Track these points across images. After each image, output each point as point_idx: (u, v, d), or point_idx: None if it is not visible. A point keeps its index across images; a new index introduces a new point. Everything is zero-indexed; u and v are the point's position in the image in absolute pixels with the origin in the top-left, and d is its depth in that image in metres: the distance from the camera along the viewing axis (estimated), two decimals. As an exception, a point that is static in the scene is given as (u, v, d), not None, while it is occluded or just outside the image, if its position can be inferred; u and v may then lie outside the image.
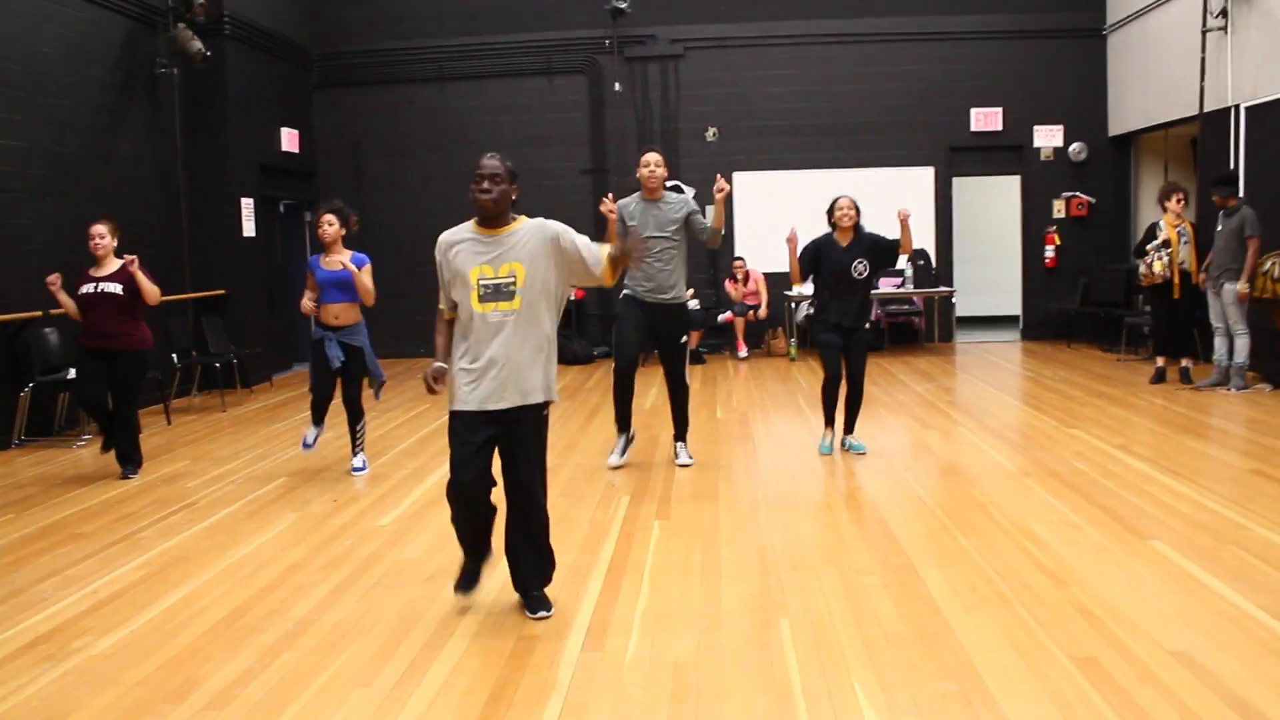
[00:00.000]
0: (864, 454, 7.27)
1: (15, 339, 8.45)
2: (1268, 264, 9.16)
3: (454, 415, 4.28)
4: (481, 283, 4.16)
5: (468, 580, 4.54)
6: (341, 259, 6.91)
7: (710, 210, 7.09)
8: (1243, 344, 9.26)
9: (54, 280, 7.10)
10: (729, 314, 13.07)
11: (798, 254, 7.18)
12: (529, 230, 4.23)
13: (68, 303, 7.14)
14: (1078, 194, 13.47)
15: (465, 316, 4.23)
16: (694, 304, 12.86)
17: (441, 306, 4.41)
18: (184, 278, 10.62)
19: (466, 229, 4.28)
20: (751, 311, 13.01)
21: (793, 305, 13.25)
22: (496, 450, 4.29)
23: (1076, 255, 13.43)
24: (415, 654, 4.05)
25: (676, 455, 7.19)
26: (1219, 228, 9.38)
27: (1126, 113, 13.04)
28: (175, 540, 5.71)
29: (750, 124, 13.52)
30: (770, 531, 5.56)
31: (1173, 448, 7.18)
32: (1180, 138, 12.87)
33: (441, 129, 13.70)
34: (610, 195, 6.85)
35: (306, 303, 6.94)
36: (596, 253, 4.32)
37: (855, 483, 6.58)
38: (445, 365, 4.29)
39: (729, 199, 12.81)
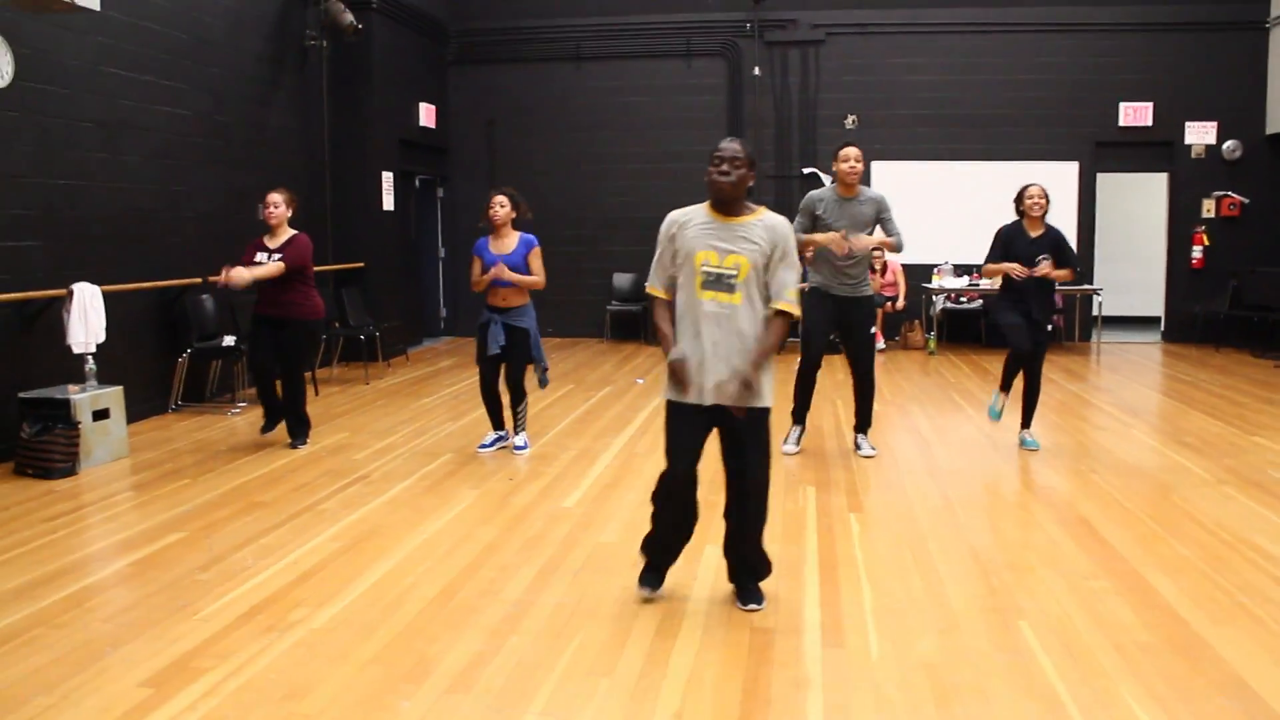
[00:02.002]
0: (1037, 450, 7.02)
1: (174, 305, 8.52)
2: None
3: (669, 404, 4.14)
4: (705, 269, 4.00)
5: (653, 578, 4.37)
6: (510, 242, 6.81)
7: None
8: None
9: (224, 273, 6.83)
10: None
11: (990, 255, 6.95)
12: (765, 226, 4.03)
13: (245, 274, 6.88)
14: (1230, 193, 12.91)
15: (685, 300, 4.07)
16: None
17: (656, 289, 4.21)
18: (326, 249, 10.64)
19: (700, 210, 4.11)
20: (889, 303, 12.71)
21: (931, 298, 12.92)
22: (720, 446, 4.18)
23: (1226, 257, 12.88)
24: (649, 643, 3.91)
25: (859, 447, 7.03)
26: None
27: (1288, 111, 12.45)
28: (359, 513, 5.65)
29: (890, 113, 13.19)
30: (975, 531, 5.33)
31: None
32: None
33: (576, 109, 13.60)
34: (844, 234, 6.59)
35: (480, 275, 6.84)
36: (782, 286, 4.03)
37: (1043, 482, 6.30)
38: (682, 355, 4.09)
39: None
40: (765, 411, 4.13)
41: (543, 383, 7.12)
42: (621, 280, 13.72)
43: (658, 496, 4.24)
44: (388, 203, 11.57)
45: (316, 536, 5.23)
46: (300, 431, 7.25)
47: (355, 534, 5.28)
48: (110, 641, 3.92)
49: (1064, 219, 12.39)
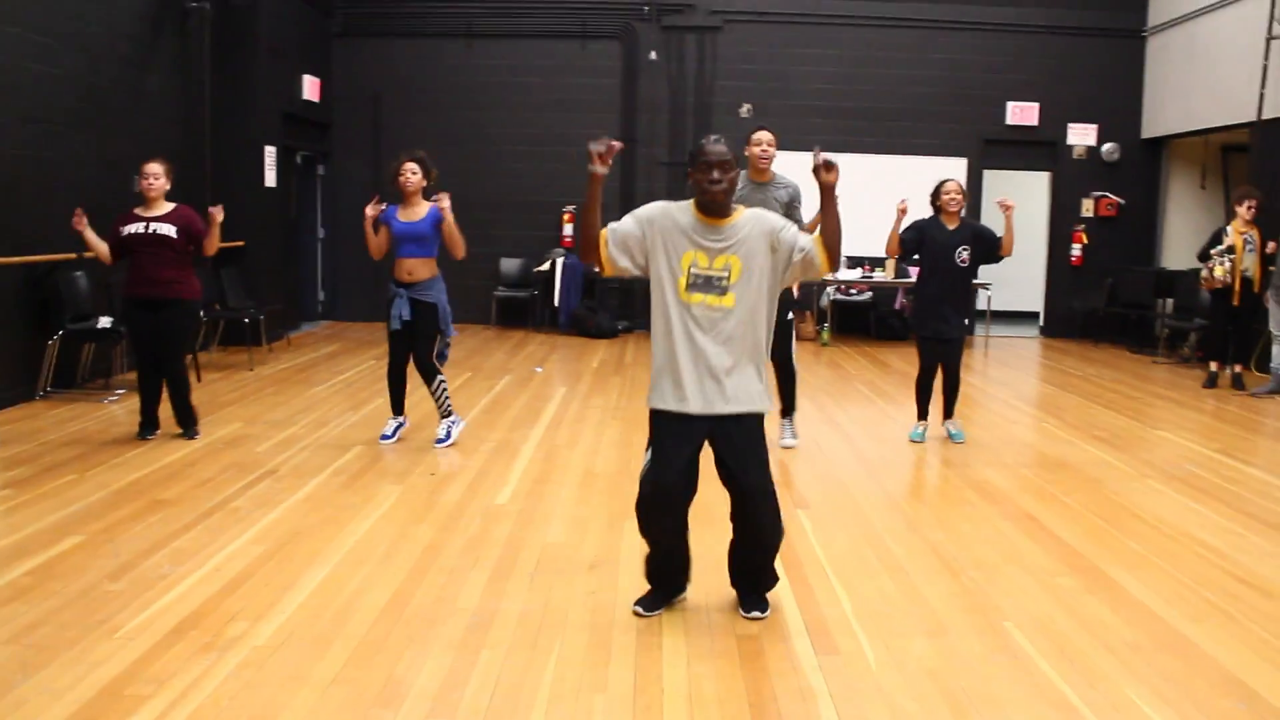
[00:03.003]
0: (963, 443, 7.03)
1: (44, 282, 7.76)
2: (1335, 275, 9.07)
3: (655, 414, 3.89)
4: (693, 270, 3.75)
5: (649, 601, 4.05)
6: (420, 211, 6.45)
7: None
8: (1304, 353, 9.17)
9: (80, 218, 6.45)
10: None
11: (900, 228, 6.88)
12: (749, 221, 3.81)
13: (97, 243, 6.52)
14: (1108, 194, 13.35)
15: (663, 302, 3.82)
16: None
17: (605, 233, 3.86)
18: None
19: (685, 211, 3.81)
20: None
21: (822, 289, 12.96)
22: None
23: (1103, 255, 13.32)
24: (634, 655, 3.64)
25: (782, 433, 6.80)
26: (1285, 237, 9.26)
27: (1162, 116, 12.94)
28: (276, 512, 5.19)
29: (785, 103, 13.14)
30: (927, 527, 5.24)
31: (1273, 457, 7.00)
32: (1214, 144, 12.81)
33: (466, 88, 13.10)
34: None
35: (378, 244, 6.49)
36: (805, 241, 3.85)
37: (977, 476, 6.26)
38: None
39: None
40: (759, 417, 3.91)
41: (440, 358, 6.61)
42: (509, 265, 13.32)
43: (639, 512, 3.92)
44: (270, 179, 10.90)
45: (235, 539, 4.75)
46: (189, 422, 6.66)
47: (277, 536, 4.82)
48: (19, 667, 3.41)
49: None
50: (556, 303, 12.77)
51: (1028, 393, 9.54)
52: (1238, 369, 9.75)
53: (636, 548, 4.69)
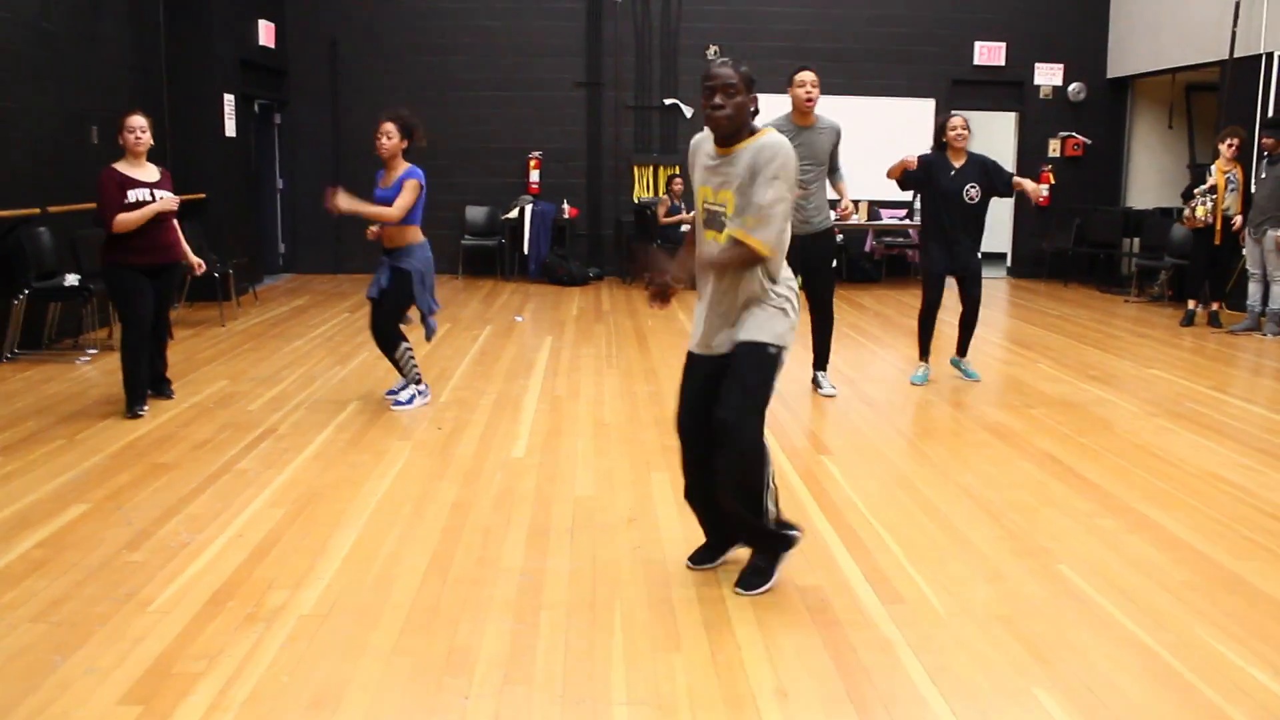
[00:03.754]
0: (978, 381, 7.03)
1: (6, 240, 7.35)
2: (1310, 211, 9.14)
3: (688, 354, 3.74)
4: (705, 205, 3.59)
5: (697, 554, 3.91)
6: (396, 175, 6.06)
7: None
8: (1279, 291, 9.27)
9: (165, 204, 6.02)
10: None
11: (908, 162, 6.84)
12: (749, 152, 3.43)
13: (140, 217, 5.90)
14: (1074, 134, 13.36)
15: (699, 239, 3.66)
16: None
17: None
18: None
19: (709, 138, 3.59)
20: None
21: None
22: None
23: (1070, 195, 13.35)
24: (699, 611, 3.52)
25: (820, 385, 6.82)
26: (1263, 175, 9.31)
27: (1129, 55, 12.93)
28: (287, 473, 4.97)
29: (752, 44, 12.87)
30: (953, 470, 5.18)
31: (1266, 392, 7.06)
32: (1180, 83, 12.85)
33: (426, 32, 12.67)
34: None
35: (374, 229, 6.10)
36: (741, 210, 3.44)
37: (988, 417, 6.22)
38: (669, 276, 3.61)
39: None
40: (757, 347, 3.50)
41: (429, 333, 6.35)
42: (475, 213, 13.01)
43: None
44: (229, 128, 10.46)
45: (250, 503, 4.54)
46: (166, 380, 6.40)
47: (294, 498, 4.61)
48: (54, 647, 3.19)
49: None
50: (526, 250, 12.51)
51: (1012, 333, 9.54)
52: (1215, 307, 9.84)
53: (671, 500, 4.60)
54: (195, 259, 6.47)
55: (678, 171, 12.92)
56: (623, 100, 12.97)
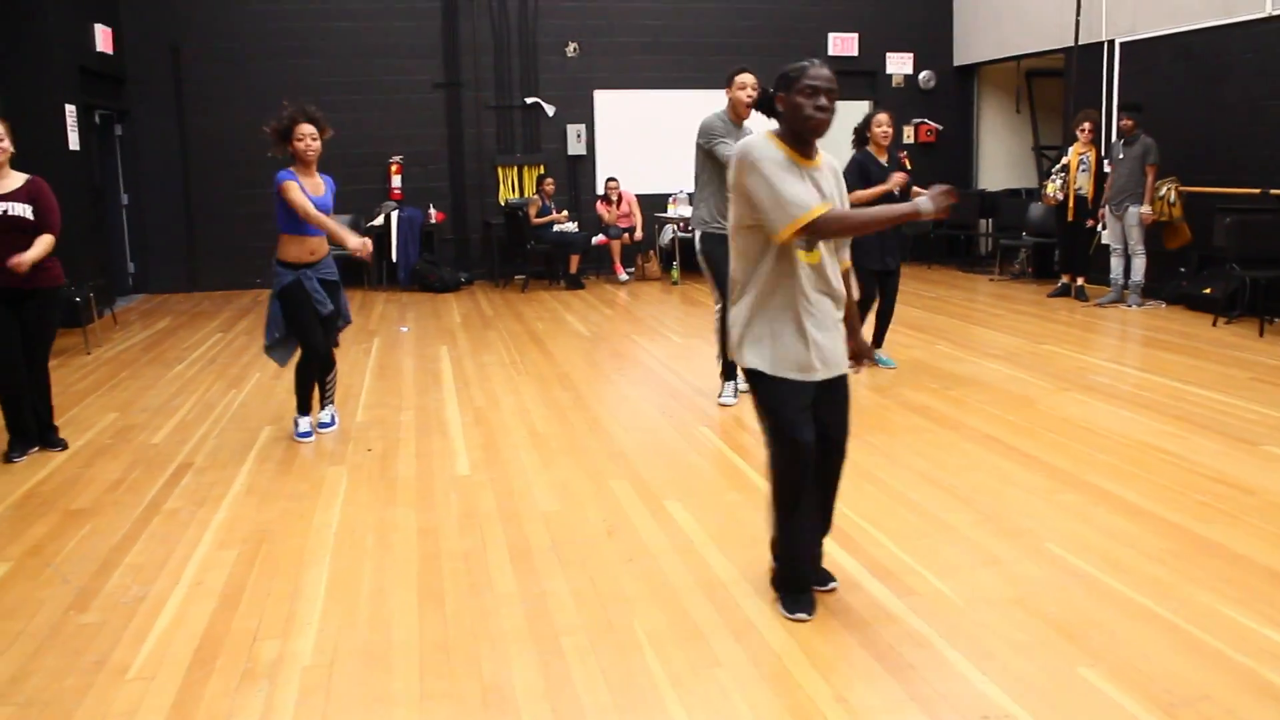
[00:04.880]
0: (894, 369, 7.19)
1: None
2: (1163, 189, 9.68)
3: (771, 380, 3.38)
4: None
5: (809, 601, 3.51)
6: (319, 181, 5.67)
7: None
8: (1140, 264, 9.78)
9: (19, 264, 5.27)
10: (602, 237, 12.43)
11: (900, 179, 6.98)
12: (832, 170, 3.40)
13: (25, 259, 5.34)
14: (926, 120, 13.79)
15: (766, 253, 3.31)
16: (572, 226, 12.18)
17: (811, 210, 3.25)
18: (4, 198, 8.72)
19: (769, 145, 3.26)
20: (626, 234, 12.45)
21: (660, 228, 12.87)
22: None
23: (925, 180, 13.65)
24: (722, 622, 3.40)
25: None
26: (1119, 155, 9.80)
27: (974, 43, 13.43)
28: (224, 511, 4.60)
29: (610, 40, 12.83)
30: (903, 455, 5.22)
31: (1157, 362, 7.41)
32: (1023, 70, 13.44)
33: (274, 35, 12.03)
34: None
35: (354, 240, 5.50)
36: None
37: (914, 400, 6.30)
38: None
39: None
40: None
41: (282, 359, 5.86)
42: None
43: (786, 488, 3.41)
44: (73, 141, 9.68)
45: (196, 547, 4.17)
46: (53, 428, 5.74)
47: (241, 537, 4.26)
48: (32, 730, 2.83)
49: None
50: (395, 258, 12.07)
51: (899, 316, 9.73)
52: (1080, 281, 10.31)
53: (641, 508, 4.46)
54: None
55: (544, 170, 12.72)
56: (483, 100, 12.67)
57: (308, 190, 5.55)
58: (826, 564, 3.72)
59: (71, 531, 4.36)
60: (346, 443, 5.67)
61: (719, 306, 6.19)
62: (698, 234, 6.24)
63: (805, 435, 3.33)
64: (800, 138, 3.28)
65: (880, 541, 4.10)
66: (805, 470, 3.37)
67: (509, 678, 3.05)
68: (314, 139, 5.57)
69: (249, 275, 12.25)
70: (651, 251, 12.87)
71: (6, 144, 5.48)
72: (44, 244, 5.42)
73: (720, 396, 6.44)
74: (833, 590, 3.62)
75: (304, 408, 5.79)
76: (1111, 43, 10.88)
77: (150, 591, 3.73)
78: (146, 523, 4.45)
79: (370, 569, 3.89)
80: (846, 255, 3.52)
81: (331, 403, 6.01)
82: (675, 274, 12.37)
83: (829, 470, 3.54)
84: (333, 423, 6.00)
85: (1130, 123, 9.71)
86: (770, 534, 3.55)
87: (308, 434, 5.75)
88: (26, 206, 5.47)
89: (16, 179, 5.52)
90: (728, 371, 6.48)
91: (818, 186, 3.29)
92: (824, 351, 3.35)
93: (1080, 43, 11.24)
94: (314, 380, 5.78)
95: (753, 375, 3.40)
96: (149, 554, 4.09)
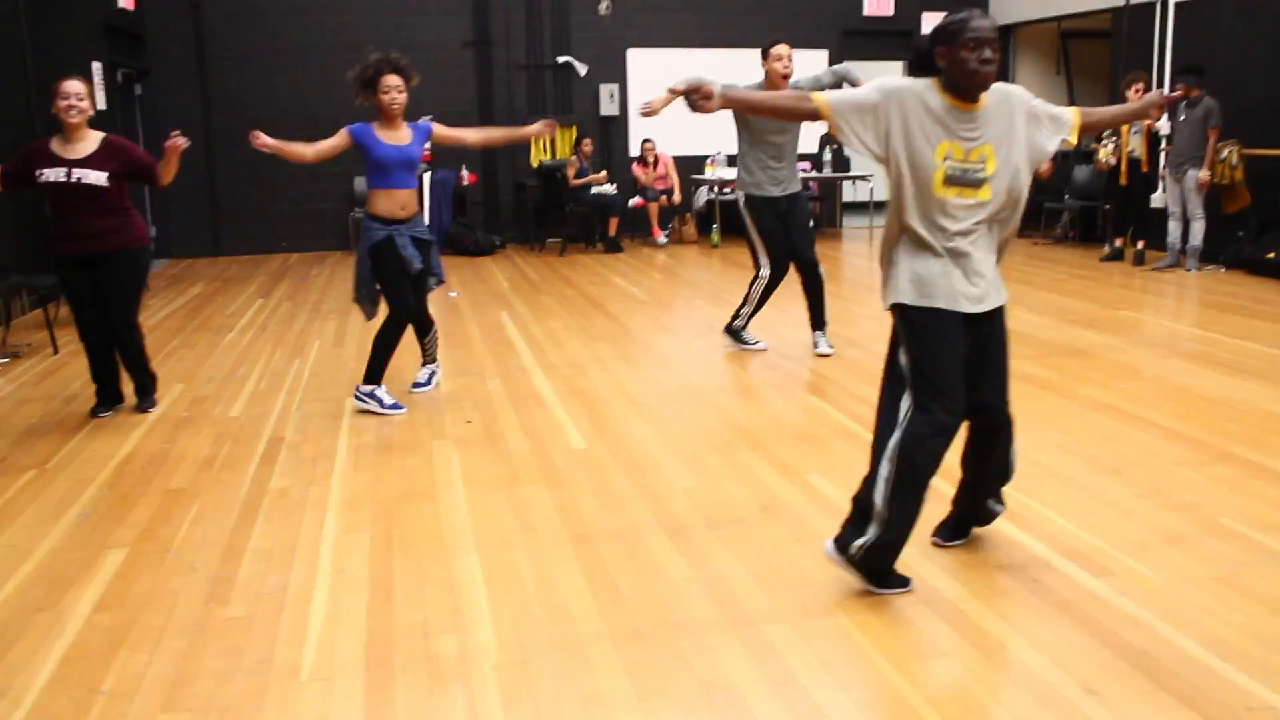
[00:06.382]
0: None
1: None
2: (1225, 152, 9.45)
3: (919, 312, 3.26)
4: (949, 163, 3.21)
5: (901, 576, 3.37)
6: (405, 134, 5.42)
7: None
8: (1199, 228, 9.58)
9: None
10: (639, 200, 12.13)
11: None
12: (996, 103, 3.25)
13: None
14: (962, 81, 13.49)
15: (916, 194, 3.24)
16: (611, 188, 11.86)
17: (822, 99, 3.28)
18: (35, 160, 8.34)
19: (929, 90, 3.19)
20: (664, 196, 12.15)
21: (694, 190, 12.60)
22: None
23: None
24: (933, 610, 3.17)
25: (817, 345, 6.57)
26: (1181, 118, 9.56)
27: (1011, 3, 13.12)
28: (336, 490, 4.33)
29: (644, -1, 12.49)
30: (1039, 427, 4.97)
31: (1245, 328, 7.21)
32: (1054, 31, 13.16)
33: (299, -10, 11.65)
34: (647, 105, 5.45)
35: (269, 141, 5.11)
36: (1063, 114, 3.47)
37: (1019, 369, 6.01)
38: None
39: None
40: (1003, 309, 3.49)
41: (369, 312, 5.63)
42: (365, 185, 12.07)
43: (914, 466, 3.16)
44: (100, 101, 9.29)
45: (322, 530, 3.90)
46: (149, 388, 5.60)
47: (368, 520, 3.99)
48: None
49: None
50: (428, 221, 11.70)
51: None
52: (1140, 245, 10.10)
53: (784, 483, 4.24)
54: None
55: (577, 131, 12.38)
56: (514, 59, 12.30)
57: (386, 142, 5.29)
58: (999, 540, 3.51)
59: (179, 514, 4.09)
60: (440, 413, 5.41)
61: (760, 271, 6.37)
62: (741, 196, 6.33)
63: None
64: (964, 90, 3.16)
65: (1051, 518, 3.88)
66: None
67: (725, 673, 2.82)
68: (400, 91, 5.32)
69: (275, 239, 11.93)
70: (689, 214, 12.59)
71: (86, 104, 5.25)
72: (175, 156, 5.30)
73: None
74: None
75: (376, 375, 5.46)
76: (1165, 2, 10.60)
77: (290, 580, 3.47)
78: (256, 503, 4.18)
79: (522, 553, 3.64)
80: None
81: (434, 361, 5.84)
82: (715, 237, 12.09)
83: None
84: (429, 382, 5.81)
85: (1185, 86, 9.41)
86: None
87: (396, 405, 5.47)
88: (100, 174, 5.22)
89: (91, 141, 5.28)
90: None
91: (985, 128, 3.20)
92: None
93: (1131, 2, 10.96)
94: (394, 346, 5.46)
95: None
96: (273, 538, 3.83)
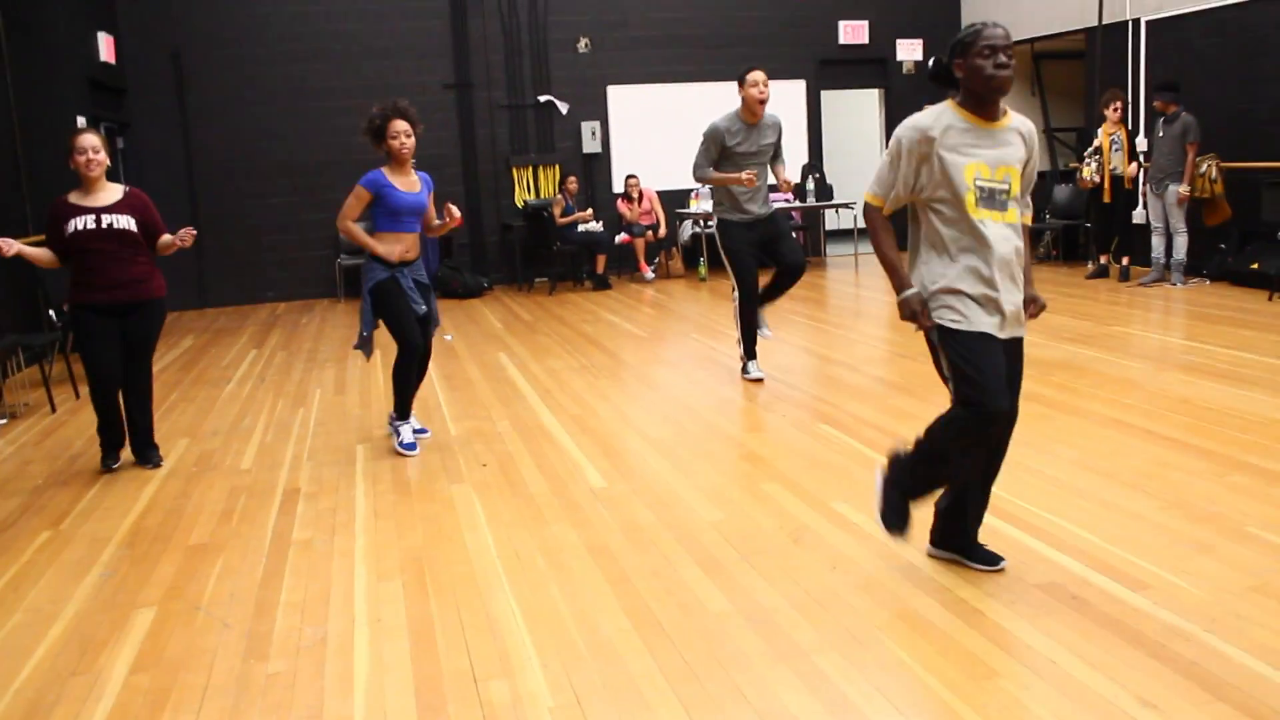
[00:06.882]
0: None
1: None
2: (1204, 166, 9.60)
3: (959, 334, 3.34)
4: (978, 183, 3.28)
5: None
6: (414, 180, 5.50)
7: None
8: (1182, 242, 9.71)
9: (7, 245, 4.99)
10: (625, 235, 12.18)
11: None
12: (1018, 129, 3.39)
13: (39, 255, 5.28)
14: (936, 106, 13.66)
15: (951, 220, 3.32)
16: (597, 226, 11.91)
17: (878, 196, 3.45)
18: (23, 216, 8.31)
19: (948, 113, 3.30)
20: (650, 231, 12.20)
21: (679, 224, 12.66)
22: None
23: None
24: (977, 629, 3.18)
25: (760, 325, 6.76)
26: (1159, 134, 9.71)
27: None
28: (361, 540, 4.29)
29: (622, 35, 12.59)
30: (1053, 445, 5.03)
31: (1236, 338, 7.31)
32: (1027, 53, 13.36)
33: (278, 39, 11.67)
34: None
35: (382, 249, 5.35)
36: (1028, 196, 3.57)
37: (1025, 386, 6.11)
38: (915, 292, 3.43)
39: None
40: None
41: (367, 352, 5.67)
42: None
43: (957, 441, 3.39)
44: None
45: (353, 580, 3.87)
46: (153, 445, 5.54)
47: (397, 568, 3.96)
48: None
49: (796, 136, 12.60)
50: (417, 267, 11.71)
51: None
52: (1125, 261, 10.23)
53: (811, 513, 4.24)
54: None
55: (560, 170, 12.44)
56: (495, 100, 12.37)
57: (400, 189, 5.36)
58: (1033, 559, 3.53)
59: (204, 570, 4.05)
60: (453, 457, 5.39)
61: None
62: (715, 220, 6.61)
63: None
64: (983, 100, 3.27)
65: (1077, 533, 3.90)
66: None
67: (783, 704, 2.81)
68: (408, 135, 5.38)
69: (261, 288, 11.89)
70: (674, 249, 12.65)
71: (103, 156, 5.31)
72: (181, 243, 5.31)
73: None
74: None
75: (404, 410, 5.54)
76: (1137, 21, 10.81)
77: (328, 632, 3.43)
78: (282, 556, 4.14)
79: (559, 594, 3.62)
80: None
81: (407, 417, 5.69)
82: (703, 270, 12.15)
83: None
84: (426, 430, 5.81)
85: (1161, 103, 9.59)
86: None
87: (412, 445, 5.48)
88: (129, 219, 5.26)
89: (114, 191, 5.35)
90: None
91: (1007, 147, 3.31)
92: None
93: (1104, 22, 11.15)
94: (413, 379, 5.52)
95: None
96: (304, 590, 3.79)
